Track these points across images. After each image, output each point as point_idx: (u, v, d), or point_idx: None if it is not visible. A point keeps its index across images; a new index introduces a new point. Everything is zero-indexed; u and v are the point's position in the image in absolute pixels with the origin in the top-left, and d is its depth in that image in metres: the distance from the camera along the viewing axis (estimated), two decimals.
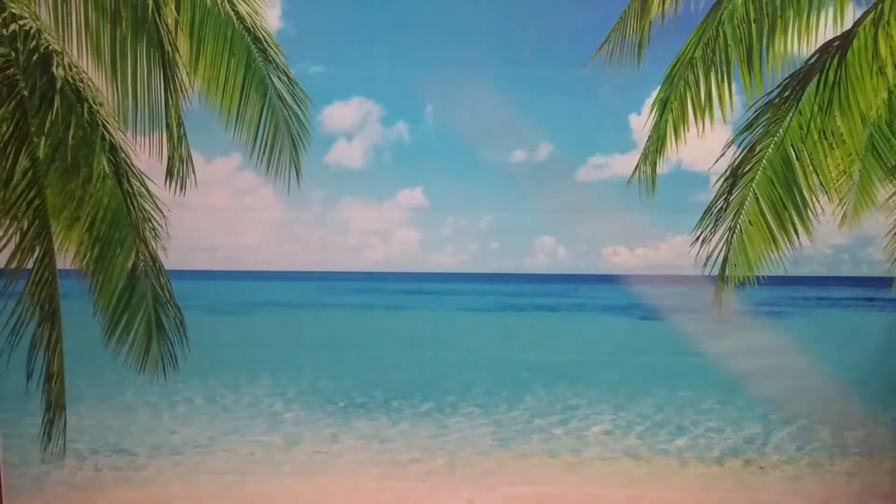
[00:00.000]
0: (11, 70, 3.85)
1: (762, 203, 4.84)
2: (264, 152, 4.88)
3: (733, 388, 9.31)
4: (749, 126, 4.66)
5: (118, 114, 4.20)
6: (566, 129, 14.60)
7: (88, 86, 4.14)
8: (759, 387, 9.28)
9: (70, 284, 4.23)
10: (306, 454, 7.43)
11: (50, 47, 3.92)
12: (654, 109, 4.87)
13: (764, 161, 4.73)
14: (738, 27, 4.36)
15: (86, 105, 4.07)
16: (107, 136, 4.23)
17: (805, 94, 4.44)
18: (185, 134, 4.30)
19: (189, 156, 4.34)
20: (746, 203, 4.87)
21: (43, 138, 3.91)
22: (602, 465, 7.74)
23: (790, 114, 4.53)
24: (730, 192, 4.83)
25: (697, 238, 4.95)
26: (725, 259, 4.99)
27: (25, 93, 3.86)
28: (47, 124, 3.88)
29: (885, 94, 4.33)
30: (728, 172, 4.80)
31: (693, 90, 4.63)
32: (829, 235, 4.77)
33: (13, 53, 3.85)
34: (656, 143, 4.91)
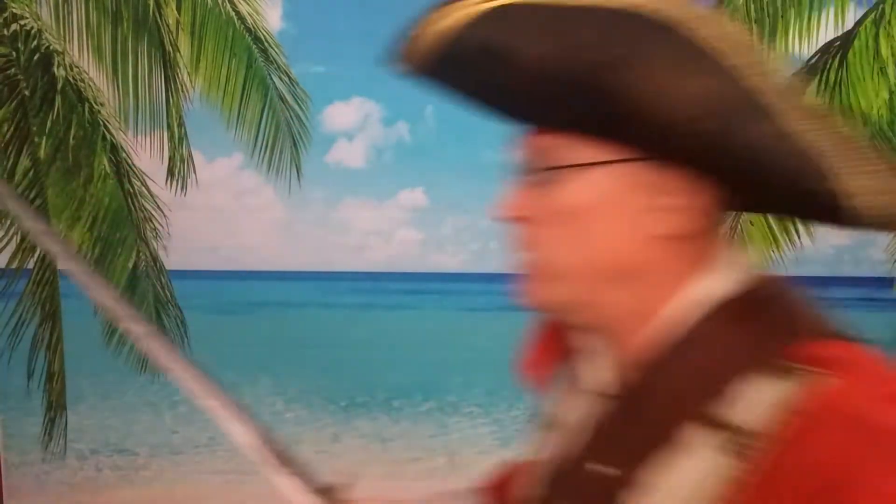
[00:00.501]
0: (12, 70, 3.86)
1: None
2: (265, 152, 4.87)
3: None
4: None
5: (119, 114, 4.20)
6: None
7: (89, 86, 4.15)
8: None
9: (71, 284, 4.23)
10: (308, 453, 7.43)
11: (51, 47, 3.93)
12: None
13: None
14: None
15: (87, 105, 4.08)
16: (108, 136, 4.24)
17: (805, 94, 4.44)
18: (186, 134, 4.31)
19: (190, 156, 4.34)
20: None
21: (44, 138, 3.92)
22: None
23: None
24: None
25: None
26: None
27: (27, 93, 3.87)
28: (48, 124, 3.89)
29: (886, 95, 4.33)
30: None
31: None
32: (830, 235, 4.75)
33: (14, 53, 3.86)
34: None
